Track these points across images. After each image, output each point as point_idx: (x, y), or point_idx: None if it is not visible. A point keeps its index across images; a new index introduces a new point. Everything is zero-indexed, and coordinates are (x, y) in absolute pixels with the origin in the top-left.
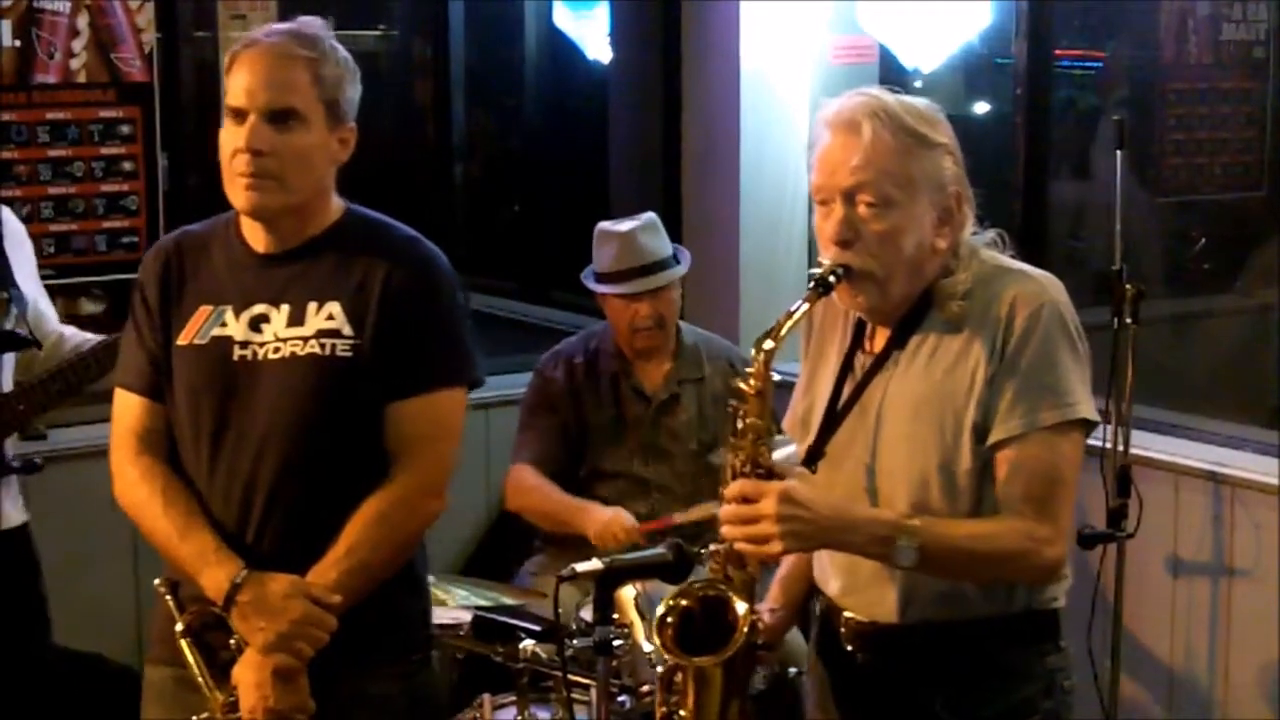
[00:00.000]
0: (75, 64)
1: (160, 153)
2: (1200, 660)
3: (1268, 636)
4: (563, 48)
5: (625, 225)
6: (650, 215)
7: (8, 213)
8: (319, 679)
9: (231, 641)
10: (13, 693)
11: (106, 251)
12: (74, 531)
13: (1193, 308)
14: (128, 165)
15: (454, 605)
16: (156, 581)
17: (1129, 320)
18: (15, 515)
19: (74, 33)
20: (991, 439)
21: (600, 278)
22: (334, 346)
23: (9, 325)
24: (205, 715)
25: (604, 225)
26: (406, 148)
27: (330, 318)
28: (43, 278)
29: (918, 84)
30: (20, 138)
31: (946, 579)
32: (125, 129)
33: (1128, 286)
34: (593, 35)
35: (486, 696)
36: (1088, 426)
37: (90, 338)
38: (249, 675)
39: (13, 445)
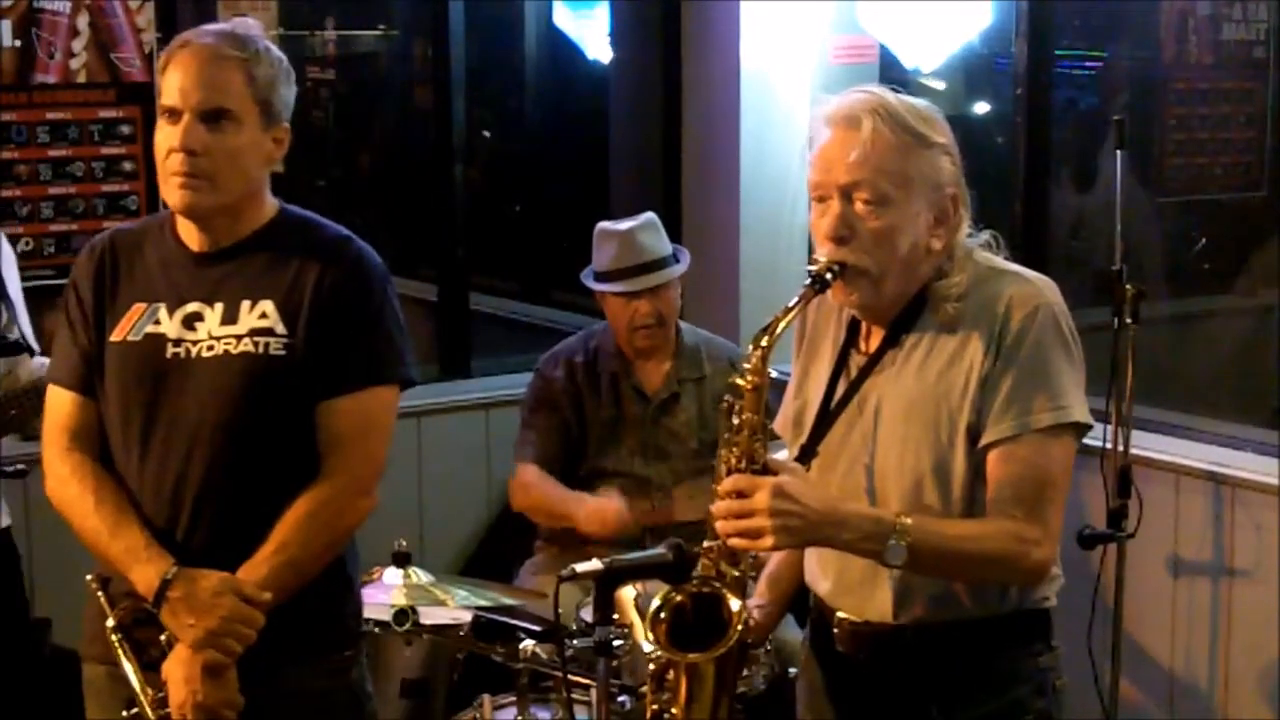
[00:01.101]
0: (75, 64)
1: None
2: (1200, 660)
3: (1268, 636)
4: (563, 48)
5: (624, 224)
6: (650, 215)
7: None
8: (248, 674)
9: (162, 638)
10: (5, 694)
11: None
12: (71, 531)
13: (1193, 308)
14: (128, 165)
15: (454, 605)
16: (88, 577)
17: (1129, 320)
18: (2, 519)
19: (74, 33)
20: (984, 440)
21: (599, 276)
22: (267, 345)
23: None
24: (135, 711)
25: (603, 225)
26: (406, 148)
27: (263, 316)
28: (43, 278)
29: (931, 84)
30: (20, 138)
31: (935, 578)
32: (125, 129)
33: (1128, 286)
34: (593, 35)
35: (486, 697)
36: (1080, 430)
37: None
38: (178, 671)
39: (9, 446)
